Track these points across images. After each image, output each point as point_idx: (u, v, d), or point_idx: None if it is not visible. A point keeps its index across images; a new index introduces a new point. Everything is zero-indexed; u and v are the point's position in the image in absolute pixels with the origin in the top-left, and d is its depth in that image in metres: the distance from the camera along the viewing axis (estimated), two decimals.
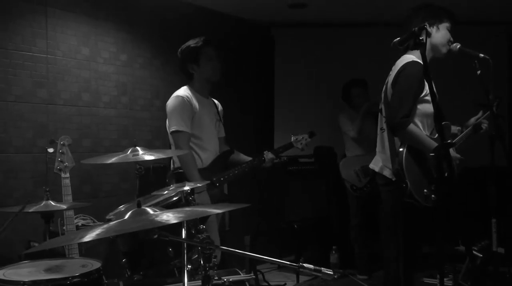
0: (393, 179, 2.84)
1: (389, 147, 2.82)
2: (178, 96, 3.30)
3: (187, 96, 3.30)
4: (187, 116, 3.25)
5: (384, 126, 2.95)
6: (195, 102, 3.32)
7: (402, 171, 2.69)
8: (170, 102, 3.32)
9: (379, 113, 3.06)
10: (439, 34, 2.88)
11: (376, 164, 3.00)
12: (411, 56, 2.85)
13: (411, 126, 2.71)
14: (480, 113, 3.20)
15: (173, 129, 3.24)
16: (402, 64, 2.83)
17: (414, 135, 2.71)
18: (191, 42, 3.38)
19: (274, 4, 4.98)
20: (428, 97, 2.76)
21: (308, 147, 3.85)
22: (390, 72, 2.94)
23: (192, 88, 3.39)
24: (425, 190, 2.63)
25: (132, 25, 4.37)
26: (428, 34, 2.81)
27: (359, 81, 4.83)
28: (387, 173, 2.89)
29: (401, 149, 2.74)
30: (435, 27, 2.87)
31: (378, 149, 3.05)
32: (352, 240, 4.74)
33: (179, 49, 3.41)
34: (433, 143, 2.70)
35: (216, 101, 3.58)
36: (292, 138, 3.73)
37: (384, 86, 2.99)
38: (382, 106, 3.00)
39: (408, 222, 2.72)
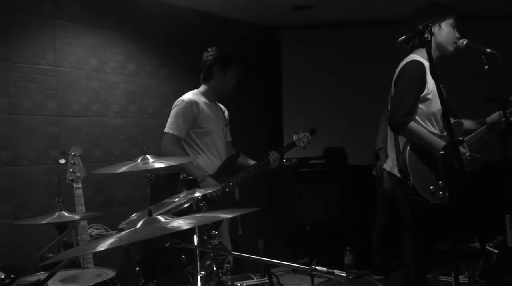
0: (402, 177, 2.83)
1: (394, 145, 2.81)
2: (182, 101, 3.34)
3: (194, 101, 3.33)
4: (183, 121, 3.28)
5: None
6: (202, 107, 3.35)
7: (405, 168, 2.68)
8: (174, 105, 3.37)
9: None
10: (443, 33, 2.85)
11: (387, 163, 3.00)
12: (414, 56, 2.83)
13: (412, 124, 2.69)
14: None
15: (165, 131, 3.29)
16: (403, 64, 2.82)
17: (416, 133, 2.69)
18: (227, 50, 3.43)
19: (280, 7, 4.99)
20: (430, 96, 2.75)
21: (318, 148, 3.84)
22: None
23: (201, 93, 3.43)
24: (431, 187, 2.60)
25: (138, 34, 4.40)
26: (432, 33, 2.79)
27: None
28: (396, 171, 2.88)
29: (405, 147, 2.73)
30: (437, 25, 2.85)
31: (388, 148, 3.04)
32: (374, 239, 4.70)
33: (214, 49, 3.41)
34: (436, 139, 2.69)
35: (222, 106, 3.60)
36: (294, 137, 3.72)
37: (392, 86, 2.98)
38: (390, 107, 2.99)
39: (416, 219, 2.70)
